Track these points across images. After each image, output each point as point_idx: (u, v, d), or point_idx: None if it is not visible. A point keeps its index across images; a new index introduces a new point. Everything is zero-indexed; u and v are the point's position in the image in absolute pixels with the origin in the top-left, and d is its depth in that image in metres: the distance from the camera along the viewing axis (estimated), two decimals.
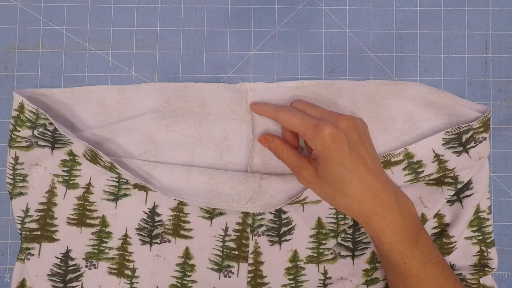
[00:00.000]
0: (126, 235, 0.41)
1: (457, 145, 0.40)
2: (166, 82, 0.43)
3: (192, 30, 0.44)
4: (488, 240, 0.41)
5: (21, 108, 0.41)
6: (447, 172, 0.40)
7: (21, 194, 0.41)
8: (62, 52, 0.43)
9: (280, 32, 0.44)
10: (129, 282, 0.41)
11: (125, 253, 0.41)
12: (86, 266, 0.41)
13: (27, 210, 0.41)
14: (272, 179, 0.40)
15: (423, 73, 0.43)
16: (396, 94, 0.42)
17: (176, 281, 0.40)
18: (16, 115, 0.41)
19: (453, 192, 0.40)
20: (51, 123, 0.40)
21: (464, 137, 0.40)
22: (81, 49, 0.44)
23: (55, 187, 0.41)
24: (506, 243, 0.43)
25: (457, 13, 0.44)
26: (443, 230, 0.40)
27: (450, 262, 0.40)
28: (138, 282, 0.40)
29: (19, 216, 0.41)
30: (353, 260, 0.41)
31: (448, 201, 0.41)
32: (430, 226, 0.41)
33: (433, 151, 0.40)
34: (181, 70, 0.43)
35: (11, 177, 0.41)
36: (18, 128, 0.41)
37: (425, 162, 0.40)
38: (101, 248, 0.41)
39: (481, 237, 0.41)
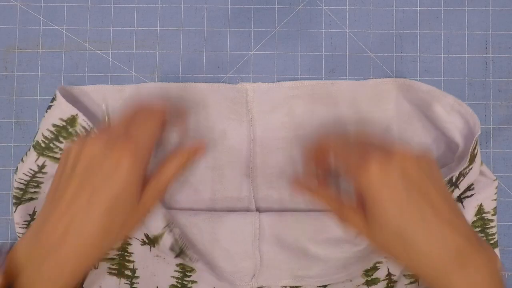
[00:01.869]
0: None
1: (448, 186, 0.38)
2: (166, 82, 0.43)
3: (192, 30, 0.44)
4: (492, 241, 0.40)
5: (72, 121, 0.39)
6: None
7: (31, 199, 0.40)
8: (62, 52, 0.43)
9: (280, 32, 0.44)
10: (129, 282, 0.40)
11: (125, 253, 0.41)
12: None
13: (34, 213, 0.40)
14: (273, 250, 0.39)
15: (423, 73, 0.43)
16: (396, 94, 0.42)
17: (176, 281, 0.40)
18: (62, 125, 0.39)
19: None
20: None
21: (454, 177, 0.38)
22: (81, 49, 0.43)
23: None
24: (506, 243, 0.43)
25: (457, 13, 0.44)
26: None
27: None
28: (138, 283, 0.40)
29: (25, 221, 0.40)
30: None
31: None
32: None
33: None
34: (181, 70, 0.43)
35: (25, 183, 0.40)
36: (61, 139, 0.39)
37: None
38: None
39: (484, 238, 0.40)
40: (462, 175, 0.38)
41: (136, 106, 0.34)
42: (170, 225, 0.38)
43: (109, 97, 0.42)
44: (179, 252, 0.38)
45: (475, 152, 0.38)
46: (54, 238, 0.28)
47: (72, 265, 0.28)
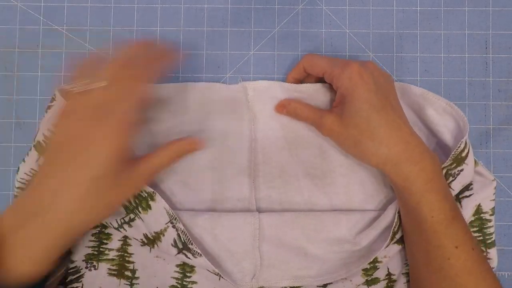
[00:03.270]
0: (126, 236, 0.41)
1: None
2: (166, 83, 0.43)
3: (192, 30, 0.44)
4: (489, 241, 0.40)
5: None
6: None
7: None
8: (62, 52, 0.43)
9: (280, 32, 0.44)
10: (129, 283, 0.40)
11: (125, 254, 0.41)
12: (86, 268, 0.40)
13: None
14: (273, 250, 0.40)
15: (423, 73, 0.43)
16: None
17: (176, 282, 0.40)
18: None
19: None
20: None
21: None
22: (81, 49, 0.43)
23: None
24: (506, 243, 0.43)
25: (457, 13, 0.44)
26: None
27: None
28: (138, 283, 0.40)
29: None
30: None
31: None
32: None
33: None
34: (181, 70, 0.43)
35: (26, 182, 0.40)
36: None
37: None
38: (101, 249, 0.41)
39: (481, 238, 0.40)
40: (450, 175, 0.38)
41: (119, 67, 0.33)
42: (173, 220, 0.38)
43: None
44: (182, 247, 0.38)
45: (463, 155, 0.38)
46: (41, 205, 0.30)
47: (55, 231, 0.30)
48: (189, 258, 0.38)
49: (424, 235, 0.35)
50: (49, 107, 0.40)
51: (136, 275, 0.40)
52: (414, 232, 0.36)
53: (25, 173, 0.39)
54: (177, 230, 0.37)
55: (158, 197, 0.38)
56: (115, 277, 0.40)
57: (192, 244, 0.37)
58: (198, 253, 0.37)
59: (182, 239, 0.38)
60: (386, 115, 0.34)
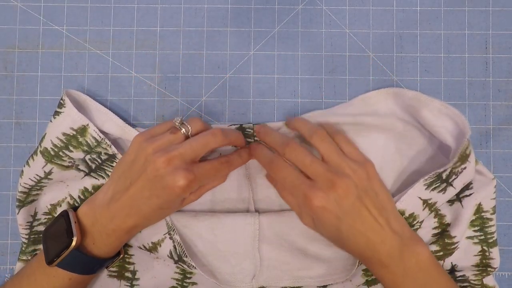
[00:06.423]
0: None
1: (439, 183, 0.38)
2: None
3: (192, 30, 0.44)
4: (490, 240, 0.40)
5: (83, 131, 0.39)
6: (438, 211, 0.40)
7: (33, 201, 0.40)
8: (62, 52, 0.43)
9: (280, 32, 0.44)
10: (129, 284, 0.40)
11: (125, 256, 0.41)
12: None
13: (35, 214, 0.40)
14: (273, 250, 0.40)
15: (423, 73, 0.43)
16: (386, 103, 0.42)
17: (176, 283, 0.40)
18: (72, 135, 0.39)
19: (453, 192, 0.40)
20: (106, 153, 0.39)
21: (444, 175, 0.38)
22: (81, 49, 0.43)
23: (62, 203, 0.40)
24: (506, 243, 0.43)
25: (457, 13, 0.44)
26: (444, 230, 0.40)
27: (452, 263, 0.40)
28: (138, 285, 0.40)
29: (28, 222, 0.40)
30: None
31: (448, 201, 0.41)
32: (431, 226, 0.40)
33: (420, 198, 0.38)
34: (181, 70, 0.43)
35: (29, 187, 0.40)
36: (71, 148, 0.39)
37: (416, 212, 0.38)
38: None
39: (482, 237, 0.40)
40: (454, 173, 0.38)
41: (217, 139, 0.37)
42: (171, 231, 0.38)
43: (104, 123, 0.41)
44: (177, 259, 0.38)
45: (467, 152, 0.38)
46: (120, 210, 0.36)
47: (128, 226, 0.36)
48: (185, 266, 0.38)
49: None
50: (57, 113, 0.40)
51: (136, 276, 0.40)
52: None
53: (29, 178, 0.40)
54: (173, 241, 0.38)
55: None
56: (115, 279, 0.40)
57: (186, 257, 0.37)
58: (193, 266, 0.37)
59: (178, 251, 0.38)
60: (355, 232, 0.35)
